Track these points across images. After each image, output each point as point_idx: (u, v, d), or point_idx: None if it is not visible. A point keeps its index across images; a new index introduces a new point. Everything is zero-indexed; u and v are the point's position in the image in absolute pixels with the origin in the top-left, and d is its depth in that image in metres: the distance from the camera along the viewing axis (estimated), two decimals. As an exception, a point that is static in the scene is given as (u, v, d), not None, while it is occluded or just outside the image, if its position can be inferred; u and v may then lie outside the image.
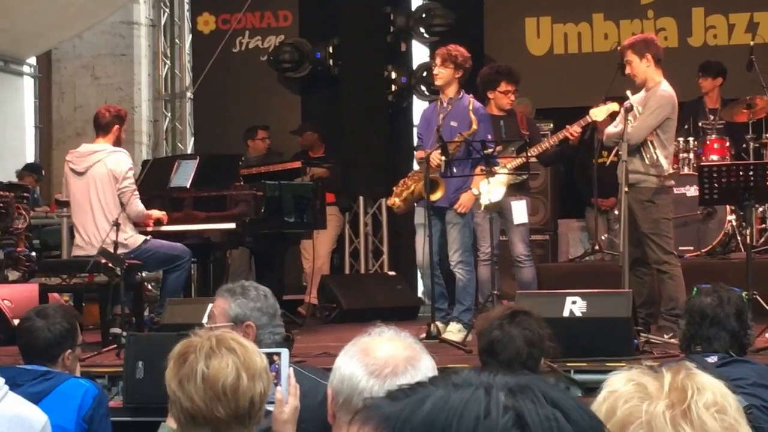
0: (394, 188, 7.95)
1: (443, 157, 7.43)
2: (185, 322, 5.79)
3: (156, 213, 8.02)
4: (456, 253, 7.57)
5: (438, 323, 7.30)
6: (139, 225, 7.87)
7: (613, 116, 7.55)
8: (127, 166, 7.70)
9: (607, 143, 7.36)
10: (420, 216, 7.71)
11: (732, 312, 4.21)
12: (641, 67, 7.04)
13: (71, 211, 7.97)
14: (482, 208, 7.91)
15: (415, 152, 7.95)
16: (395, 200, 7.90)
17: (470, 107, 7.55)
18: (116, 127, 7.80)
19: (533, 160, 8.26)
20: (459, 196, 7.57)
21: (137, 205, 7.73)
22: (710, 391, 1.54)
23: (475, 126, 7.51)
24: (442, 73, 7.58)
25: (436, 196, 7.52)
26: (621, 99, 7.25)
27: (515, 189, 8.04)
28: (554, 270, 9.63)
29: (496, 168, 7.62)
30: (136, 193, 7.73)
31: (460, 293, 7.62)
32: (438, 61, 7.62)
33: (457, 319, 7.53)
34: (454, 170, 7.45)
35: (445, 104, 7.66)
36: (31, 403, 3.61)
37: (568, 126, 8.03)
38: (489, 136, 7.52)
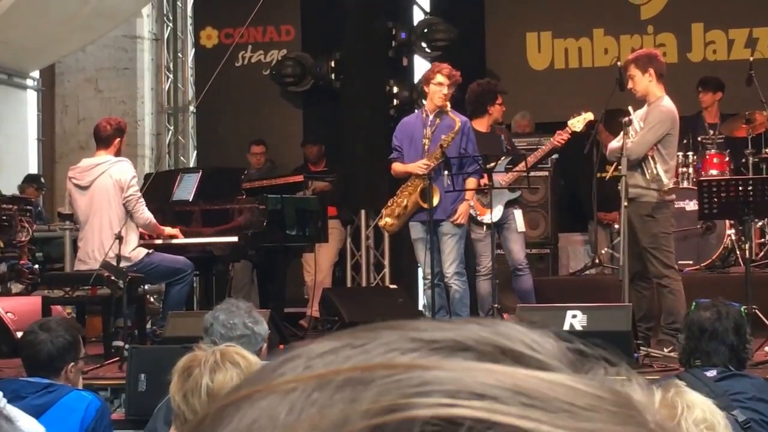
0: (384, 210, 7.98)
1: (446, 172, 7.50)
2: (188, 335, 5.82)
3: (170, 230, 8.03)
4: (452, 264, 7.61)
5: None
6: (145, 237, 7.89)
7: (612, 129, 7.62)
8: (131, 174, 7.73)
9: (610, 158, 7.40)
10: (417, 231, 7.77)
11: (730, 326, 4.23)
12: (643, 81, 7.08)
13: (79, 225, 7.98)
14: (484, 228, 7.99)
15: (393, 164, 7.91)
16: (387, 220, 7.93)
17: (449, 112, 7.62)
18: (117, 140, 7.83)
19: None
20: (456, 208, 7.62)
21: (144, 212, 7.73)
22: (699, 408, 1.56)
23: (458, 124, 7.58)
24: (448, 94, 7.64)
25: (426, 204, 7.58)
26: (622, 113, 7.29)
27: (511, 203, 8.16)
28: (554, 283, 9.65)
29: (496, 181, 7.71)
30: (142, 200, 7.72)
31: (457, 305, 7.67)
32: (447, 81, 7.61)
33: None
34: (447, 183, 7.53)
35: (431, 117, 7.71)
36: (30, 416, 3.65)
37: (554, 139, 8.18)
38: (471, 146, 7.62)
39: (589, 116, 7.81)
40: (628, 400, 0.52)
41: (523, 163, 7.92)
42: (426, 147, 7.66)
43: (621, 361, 0.57)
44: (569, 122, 7.94)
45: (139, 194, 7.72)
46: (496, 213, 7.93)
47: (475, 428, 0.49)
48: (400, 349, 0.53)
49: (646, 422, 0.52)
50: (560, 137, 8.04)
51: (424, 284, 8.02)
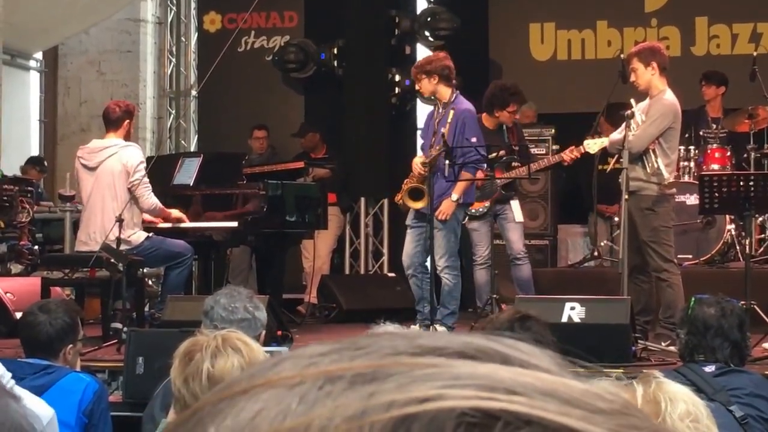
0: (403, 185, 8.04)
1: (447, 161, 7.51)
2: (186, 318, 5.83)
3: (176, 212, 8.02)
4: (442, 258, 7.64)
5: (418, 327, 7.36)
6: (145, 221, 7.89)
7: (614, 122, 7.60)
8: (139, 159, 7.72)
9: (611, 150, 7.39)
10: (408, 217, 7.86)
11: (735, 323, 4.24)
12: (646, 75, 7.07)
13: (83, 206, 7.98)
14: (466, 218, 8.01)
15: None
16: (400, 196, 8.00)
17: (449, 118, 7.59)
18: (127, 122, 7.82)
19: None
20: (441, 202, 7.63)
21: (149, 197, 7.71)
22: (682, 400, 1.56)
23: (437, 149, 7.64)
24: (423, 87, 7.75)
25: (417, 205, 7.62)
26: (624, 105, 7.28)
27: (507, 195, 8.19)
28: (553, 275, 9.66)
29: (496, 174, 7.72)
30: (148, 186, 7.71)
31: (445, 297, 7.70)
32: (414, 72, 7.83)
33: (440, 323, 7.59)
34: (446, 174, 7.55)
35: (440, 110, 7.74)
36: (37, 397, 3.66)
37: (563, 153, 8.15)
38: (474, 139, 7.59)
39: (606, 142, 7.70)
40: (633, 404, 0.53)
41: (525, 168, 7.95)
42: (432, 140, 7.72)
43: (594, 363, 0.58)
44: (585, 143, 7.86)
45: (146, 179, 7.69)
46: (483, 206, 8.01)
47: (512, 423, 0.48)
48: (407, 353, 0.52)
49: (654, 423, 0.53)
50: (571, 154, 8.01)
51: (407, 275, 8.07)
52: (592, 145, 7.82)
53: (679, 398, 1.56)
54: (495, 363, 0.52)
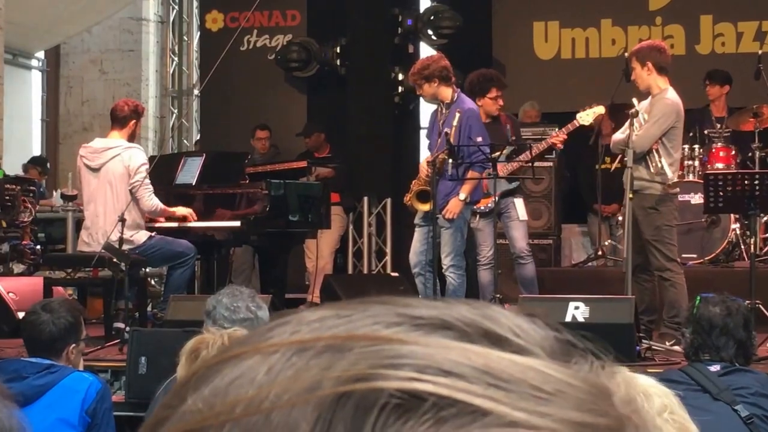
0: (411, 185, 8.03)
1: (450, 160, 7.49)
2: (188, 318, 5.82)
3: (181, 210, 7.99)
4: (447, 257, 7.63)
5: None
6: (146, 219, 7.87)
7: (617, 120, 7.59)
8: (140, 161, 7.68)
9: (614, 150, 7.38)
10: (417, 216, 7.85)
11: (740, 322, 4.22)
12: (642, 75, 7.07)
13: (83, 206, 7.96)
14: (478, 219, 7.99)
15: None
16: (408, 197, 8.00)
17: (454, 121, 7.58)
18: (133, 122, 7.80)
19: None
20: (448, 201, 7.62)
21: (150, 199, 7.68)
22: (655, 395, 1.54)
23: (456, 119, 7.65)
24: (424, 91, 7.75)
25: (426, 207, 7.61)
26: (628, 105, 7.27)
27: (510, 192, 8.16)
28: (557, 274, 9.64)
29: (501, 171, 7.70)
30: (149, 188, 7.67)
31: (450, 297, 7.68)
32: (414, 85, 7.81)
33: None
34: (450, 173, 7.54)
35: (443, 110, 7.74)
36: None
37: (554, 133, 8.14)
38: (480, 138, 7.57)
39: (600, 110, 7.74)
40: (600, 391, 0.52)
41: (523, 155, 7.92)
42: (438, 141, 7.71)
43: (608, 355, 0.56)
44: (578, 115, 7.87)
45: (147, 181, 7.65)
46: (490, 203, 7.99)
47: (438, 404, 0.49)
48: (384, 323, 0.53)
49: (614, 414, 0.51)
50: (557, 138, 8.04)
51: (413, 273, 8.07)
52: (585, 117, 7.83)
53: (652, 392, 1.53)
54: (468, 338, 0.52)
